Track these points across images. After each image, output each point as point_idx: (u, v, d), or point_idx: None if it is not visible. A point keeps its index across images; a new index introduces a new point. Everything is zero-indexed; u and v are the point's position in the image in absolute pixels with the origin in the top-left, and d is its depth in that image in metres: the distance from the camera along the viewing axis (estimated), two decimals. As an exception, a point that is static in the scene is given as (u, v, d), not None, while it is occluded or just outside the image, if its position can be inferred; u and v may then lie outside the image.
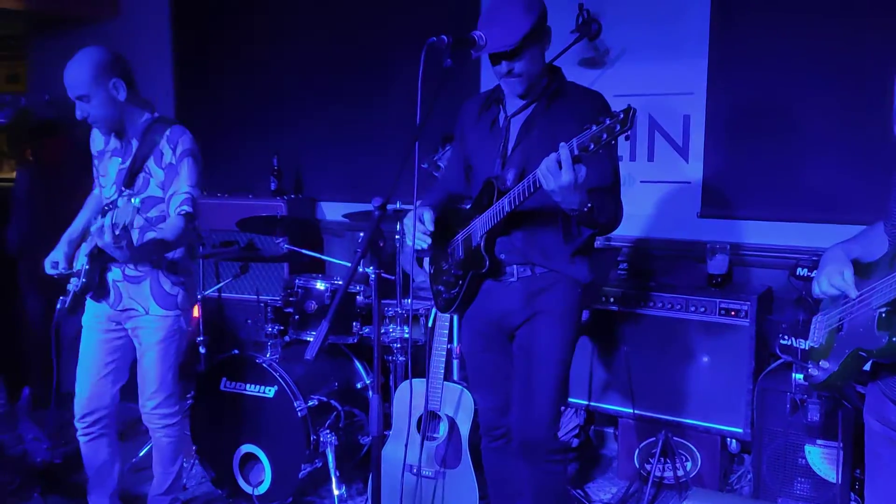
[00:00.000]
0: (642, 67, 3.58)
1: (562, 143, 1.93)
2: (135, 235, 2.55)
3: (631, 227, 3.61)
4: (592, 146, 1.87)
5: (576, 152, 1.90)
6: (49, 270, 2.69)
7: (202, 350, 3.72)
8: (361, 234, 3.33)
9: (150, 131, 2.65)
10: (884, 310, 1.57)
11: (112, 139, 2.73)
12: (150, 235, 2.62)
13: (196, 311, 3.78)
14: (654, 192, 3.66)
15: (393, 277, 3.17)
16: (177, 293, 2.72)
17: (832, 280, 1.69)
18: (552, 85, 2.28)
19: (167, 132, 2.63)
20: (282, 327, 3.39)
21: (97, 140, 2.79)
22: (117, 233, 2.30)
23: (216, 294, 4.22)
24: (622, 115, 1.83)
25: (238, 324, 4.23)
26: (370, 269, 2.96)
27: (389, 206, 2.58)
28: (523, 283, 2.31)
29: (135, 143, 2.68)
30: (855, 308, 1.65)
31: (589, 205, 2.05)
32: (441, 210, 2.44)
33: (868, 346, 1.60)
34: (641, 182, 3.67)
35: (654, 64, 3.60)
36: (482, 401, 2.54)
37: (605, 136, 1.86)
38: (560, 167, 1.93)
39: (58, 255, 2.71)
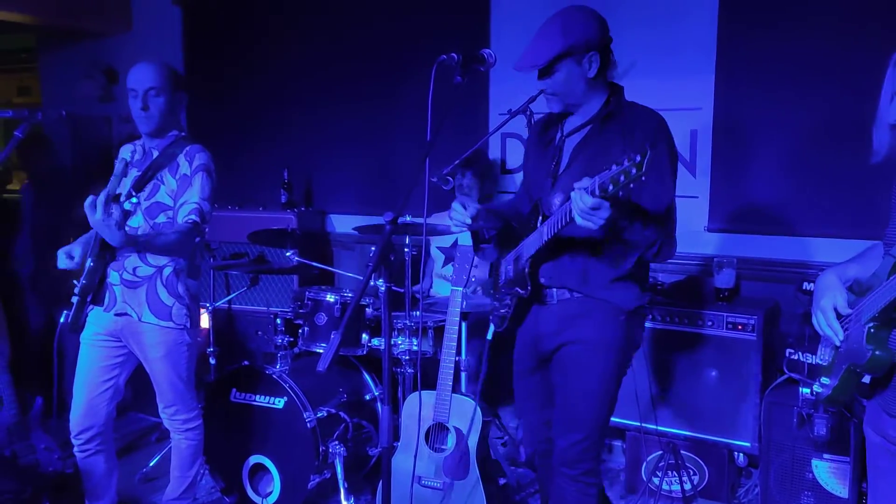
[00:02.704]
0: (650, 83, 3.64)
1: (573, 192, 1.90)
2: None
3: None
4: (612, 188, 1.81)
5: (597, 193, 1.84)
6: (62, 263, 2.73)
7: (212, 361, 3.77)
8: (373, 248, 3.38)
9: (172, 146, 2.78)
10: (872, 325, 1.61)
11: (137, 151, 2.85)
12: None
13: (206, 322, 3.83)
14: (661, 206, 3.70)
15: (402, 290, 3.21)
16: (172, 304, 2.76)
17: (819, 322, 1.73)
18: (608, 106, 2.24)
19: (187, 147, 2.77)
20: (291, 339, 3.44)
21: (124, 154, 2.88)
22: (111, 211, 2.40)
23: (226, 305, 4.27)
24: (639, 159, 1.76)
25: (248, 335, 4.28)
26: (380, 282, 3.01)
27: (400, 220, 2.63)
28: (560, 307, 2.29)
29: (154, 154, 2.80)
30: (851, 325, 1.69)
31: (623, 224, 1.99)
32: (503, 219, 2.48)
33: (858, 360, 1.64)
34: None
35: (662, 79, 3.65)
36: (527, 423, 2.52)
37: (622, 178, 1.78)
38: (580, 216, 1.91)
39: (74, 249, 2.75)
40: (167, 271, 2.76)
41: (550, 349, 2.32)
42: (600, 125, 2.23)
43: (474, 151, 3.50)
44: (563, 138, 2.32)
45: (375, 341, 3.33)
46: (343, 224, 4.70)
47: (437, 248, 4.06)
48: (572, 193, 1.92)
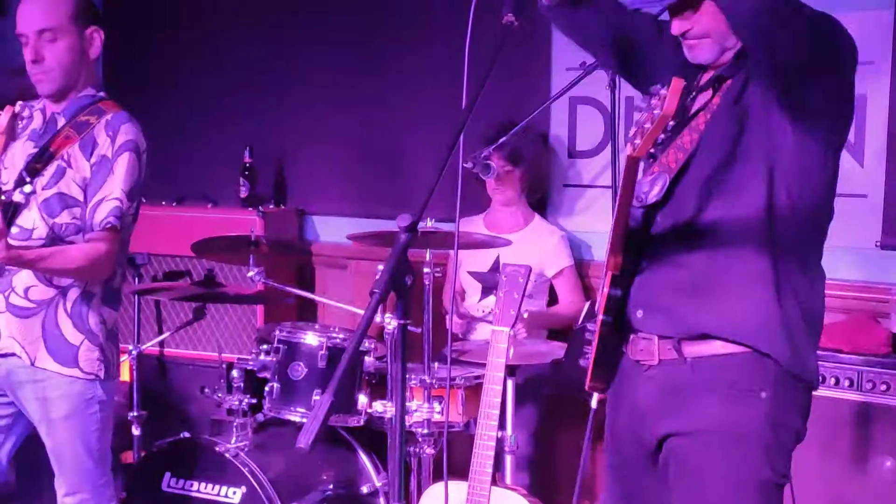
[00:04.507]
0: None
1: None
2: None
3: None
4: (638, 141, 1.97)
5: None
6: None
7: (136, 430, 3.79)
8: (379, 267, 3.41)
9: (87, 112, 2.84)
10: None
11: (35, 118, 2.91)
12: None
13: (126, 374, 3.86)
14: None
15: (419, 330, 3.23)
16: (79, 343, 2.81)
17: None
18: (740, 55, 2.20)
19: (108, 116, 2.82)
20: (254, 400, 3.46)
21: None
22: None
23: (157, 349, 4.30)
24: None
25: (189, 394, 4.30)
26: (389, 318, 3.08)
27: (421, 226, 2.62)
28: (666, 371, 2.21)
29: (60, 122, 2.85)
30: None
31: None
32: None
33: None
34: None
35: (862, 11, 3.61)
36: None
37: (648, 126, 1.95)
38: None
39: None
40: (73, 295, 2.81)
41: (658, 437, 2.25)
42: (741, 87, 2.20)
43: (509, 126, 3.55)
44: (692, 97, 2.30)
45: (379, 406, 3.34)
46: (331, 230, 4.74)
47: (469, 273, 4.08)
48: None
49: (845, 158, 3.62)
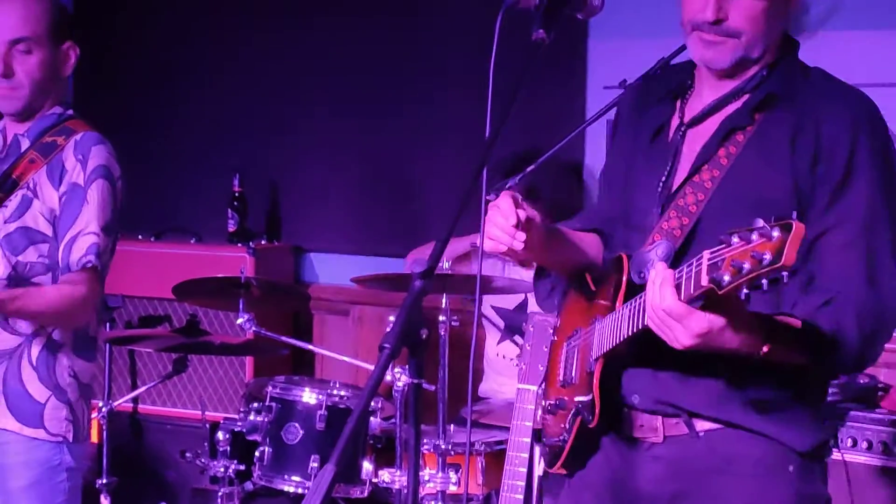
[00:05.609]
0: (868, 36, 3.63)
1: (651, 272, 1.86)
2: None
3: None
4: (728, 279, 1.66)
5: (692, 290, 1.77)
6: None
7: (105, 501, 3.78)
8: (391, 319, 3.41)
9: (53, 132, 2.82)
10: None
11: None
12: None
13: (94, 434, 3.84)
14: None
15: (433, 388, 3.22)
16: (45, 400, 2.78)
17: None
18: (773, 74, 2.12)
19: (77, 137, 2.80)
20: (242, 467, 3.46)
21: None
22: None
23: (131, 406, 4.29)
24: (776, 234, 1.61)
25: (167, 458, 4.27)
26: (399, 373, 3.07)
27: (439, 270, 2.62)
28: (674, 449, 2.14)
29: (24, 144, 2.84)
30: None
31: (764, 348, 1.89)
32: (579, 260, 2.35)
33: None
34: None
35: (889, 29, 3.63)
36: None
37: (745, 266, 1.64)
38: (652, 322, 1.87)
39: None
40: (38, 344, 2.78)
41: None
42: (753, 110, 2.10)
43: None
44: (682, 128, 2.19)
45: (385, 475, 3.31)
46: (331, 271, 4.74)
47: (493, 307, 4.07)
48: (650, 278, 1.86)
49: None
